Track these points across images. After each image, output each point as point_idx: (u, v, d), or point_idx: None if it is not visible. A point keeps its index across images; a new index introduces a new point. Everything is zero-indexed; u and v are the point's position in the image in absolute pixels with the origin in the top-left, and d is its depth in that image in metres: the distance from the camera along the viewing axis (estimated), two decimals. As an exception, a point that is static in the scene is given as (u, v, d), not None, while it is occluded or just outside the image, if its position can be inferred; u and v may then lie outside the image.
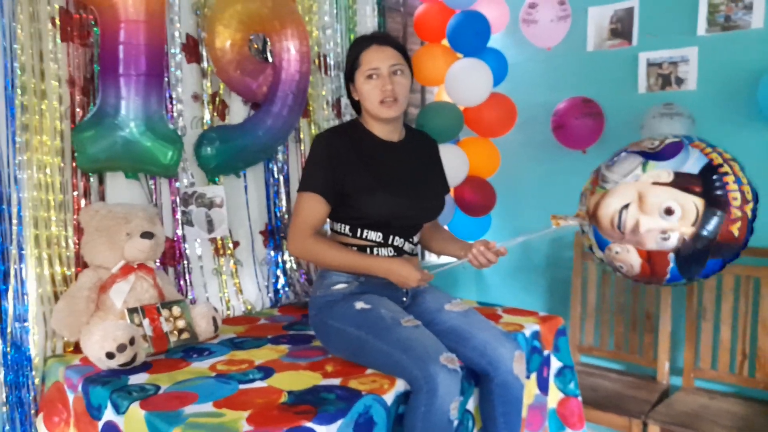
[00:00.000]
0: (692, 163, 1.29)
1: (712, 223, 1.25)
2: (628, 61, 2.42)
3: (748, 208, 1.26)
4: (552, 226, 1.48)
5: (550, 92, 2.64)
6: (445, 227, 1.84)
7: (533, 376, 1.77)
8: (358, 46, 1.57)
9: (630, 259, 1.33)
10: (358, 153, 1.56)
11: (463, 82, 2.35)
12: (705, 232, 1.25)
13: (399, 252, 1.60)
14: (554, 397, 1.88)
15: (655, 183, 1.29)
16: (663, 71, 2.33)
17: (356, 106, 1.65)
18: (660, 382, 2.22)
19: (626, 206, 1.30)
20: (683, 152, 1.31)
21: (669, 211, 1.26)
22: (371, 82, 1.54)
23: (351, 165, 1.53)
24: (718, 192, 1.25)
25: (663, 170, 1.29)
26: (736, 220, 1.25)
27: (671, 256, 1.28)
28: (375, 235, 1.56)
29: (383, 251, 1.57)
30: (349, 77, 1.60)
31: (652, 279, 1.34)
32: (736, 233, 1.26)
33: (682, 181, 1.27)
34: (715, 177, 1.26)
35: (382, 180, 1.55)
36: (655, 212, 1.27)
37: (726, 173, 1.27)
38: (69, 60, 1.62)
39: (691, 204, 1.25)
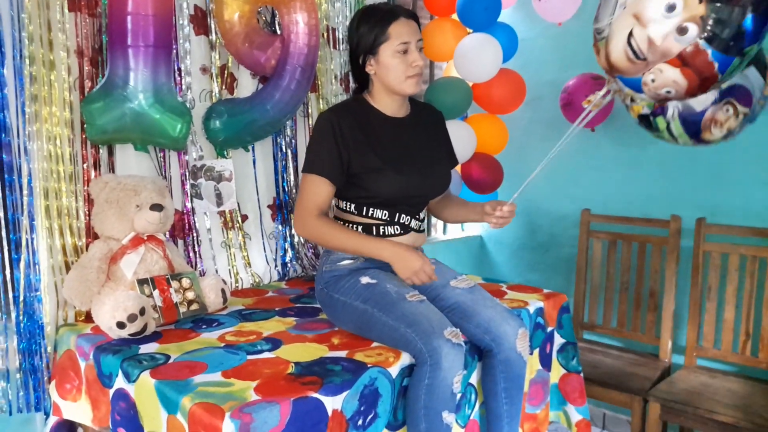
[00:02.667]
0: None
1: None
2: (640, 38, 2.39)
3: None
4: (583, 105, 1.43)
5: (560, 69, 2.61)
6: (452, 194, 1.84)
7: (536, 351, 1.79)
8: (385, 18, 1.50)
9: (668, 76, 1.23)
10: (365, 132, 1.54)
11: (473, 57, 2.32)
12: (716, 0, 1.14)
13: (406, 229, 1.60)
14: (556, 372, 1.91)
15: None
16: (676, 48, 2.29)
17: (362, 80, 1.62)
18: (662, 360, 2.24)
19: (630, 34, 1.23)
20: None
21: (671, 8, 1.17)
22: (401, 57, 1.50)
23: (358, 145, 1.52)
24: None
25: None
26: None
27: (702, 43, 1.17)
28: (381, 213, 1.56)
29: (389, 229, 1.57)
30: (370, 50, 1.53)
31: (706, 81, 1.21)
32: None
33: None
34: None
35: (391, 159, 1.54)
36: (658, 18, 1.18)
37: None
38: (77, 30, 1.61)
39: None
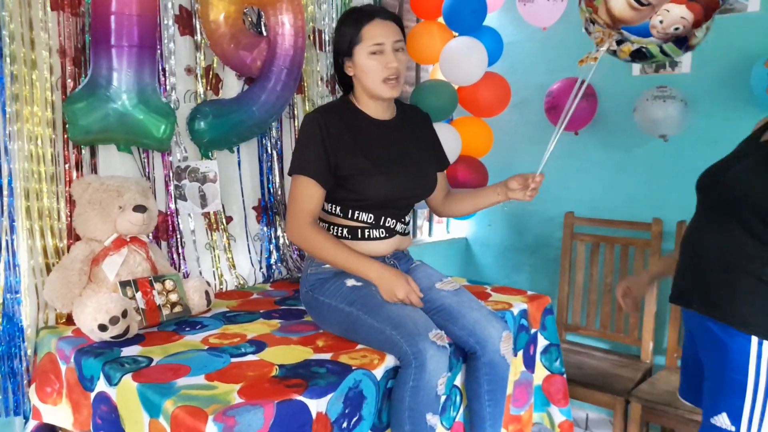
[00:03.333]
0: None
1: None
2: (623, 43, 2.42)
3: None
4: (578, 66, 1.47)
5: (545, 72, 2.64)
6: (453, 189, 1.84)
7: (520, 353, 1.80)
8: (359, 20, 1.50)
9: (675, 14, 1.30)
10: (352, 134, 1.52)
11: (458, 60, 2.33)
12: None
13: (391, 233, 1.60)
14: (540, 374, 1.92)
15: None
16: (658, 54, 2.33)
17: (345, 83, 1.61)
18: (644, 361, 2.27)
19: None
20: None
21: None
22: (375, 58, 1.49)
23: (345, 147, 1.50)
24: None
25: None
26: None
27: None
28: (367, 216, 1.56)
29: (375, 232, 1.57)
30: (346, 52, 1.53)
31: (709, 10, 1.30)
32: None
33: None
34: None
35: (379, 162, 1.53)
36: None
37: None
38: (60, 29, 1.59)
39: None
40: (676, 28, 1.33)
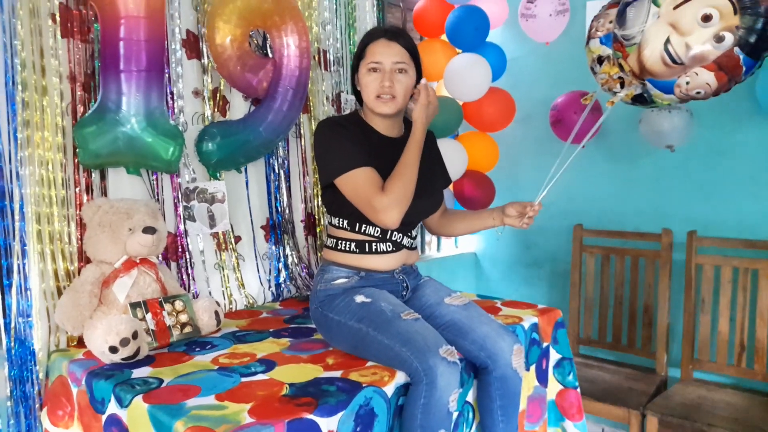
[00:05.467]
0: None
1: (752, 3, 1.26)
2: (626, 55, 2.43)
3: None
4: (582, 102, 1.49)
5: (548, 87, 2.65)
6: (450, 209, 1.86)
7: (532, 368, 1.78)
8: (367, 38, 1.57)
9: (702, 79, 1.34)
10: (365, 147, 1.54)
11: (462, 77, 2.36)
12: (750, 12, 1.26)
13: (398, 246, 1.60)
14: (553, 388, 1.90)
15: (676, 6, 1.31)
16: (662, 65, 2.33)
17: (359, 97, 1.65)
18: (658, 374, 2.24)
19: (667, 40, 1.33)
20: None
21: (706, 18, 1.28)
22: (371, 75, 1.54)
23: (366, 154, 1.52)
24: None
25: None
26: None
27: (736, 50, 1.29)
28: (374, 230, 1.57)
29: (381, 246, 1.58)
30: (354, 67, 1.61)
31: (731, 81, 1.35)
32: None
33: None
34: None
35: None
36: (695, 27, 1.29)
37: None
38: (70, 56, 1.63)
39: (721, 0, 1.27)
40: (698, 92, 1.39)
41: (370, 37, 1.57)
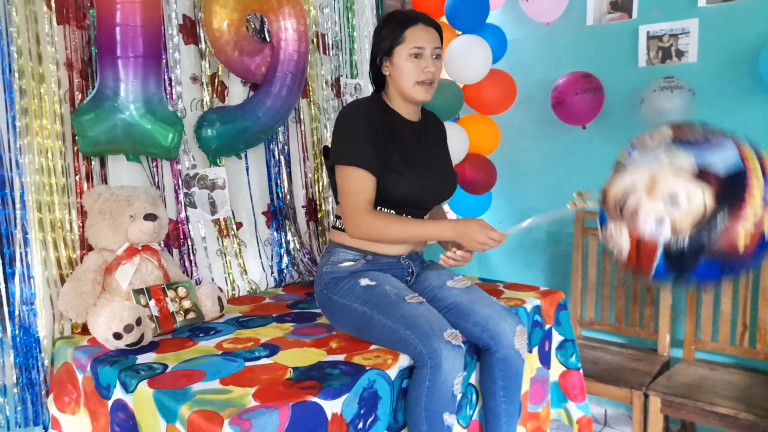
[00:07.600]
0: (723, 161, 1.15)
1: (714, 227, 1.13)
2: (627, 35, 2.40)
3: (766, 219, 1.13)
4: (567, 207, 1.46)
5: (549, 68, 2.63)
6: (442, 206, 1.85)
7: (535, 350, 1.79)
8: (404, 22, 1.52)
9: (621, 241, 1.25)
10: (388, 131, 1.53)
11: (462, 59, 2.33)
12: (704, 234, 1.14)
13: None
14: (556, 370, 1.91)
15: (673, 169, 1.17)
16: (663, 44, 2.32)
17: (379, 81, 1.62)
18: (661, 355, 2.25)
19: (635, 187, 1.21)
20: (722, 147, 1.18)
21: (674, 199, 1.15)
22: (414, 61, 1.51)
23: (385, 142, 1.51)
24: (736, 197, 1.12)
25: (686, 158, 1.17)
26: (743, 231, 1.12)
27: (659, 251, 1.18)
28: (387, 213, 1.55)
29: None
30: (386, 52, 1.54)
31: (639, 270, 1.25)
32: (741, 246, 1.12)
33: (703, 175, 1.14)
34: (740, 183, 1.13)
35: (411, 162, 1.53)
36: (659, 197, 1.17)
37: (753, 183, 1.13)
38: (66, 43, 1.61)
39: (700, 199, 1.13)
40: (612, 249, 1.30)
41: (407, 21, 1.52)
